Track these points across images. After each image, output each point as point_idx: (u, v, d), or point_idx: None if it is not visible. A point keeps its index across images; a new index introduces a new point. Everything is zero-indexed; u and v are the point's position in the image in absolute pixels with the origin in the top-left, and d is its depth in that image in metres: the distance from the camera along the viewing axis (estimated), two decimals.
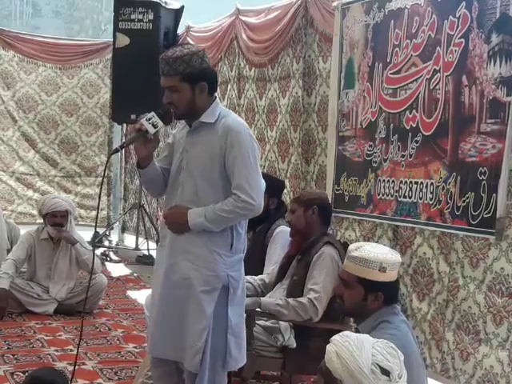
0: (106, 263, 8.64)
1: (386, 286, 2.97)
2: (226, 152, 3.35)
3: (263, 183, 3.43)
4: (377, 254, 2.96)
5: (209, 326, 3.36)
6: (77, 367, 4.77)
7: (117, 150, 3.63)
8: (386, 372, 2.28)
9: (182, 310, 3.42)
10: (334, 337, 2.38)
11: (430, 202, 4.62)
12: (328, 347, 2.35)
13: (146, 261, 8.74)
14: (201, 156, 3.41)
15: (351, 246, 3.08)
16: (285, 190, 6.13)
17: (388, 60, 5.07)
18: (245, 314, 3.85)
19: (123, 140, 10.27)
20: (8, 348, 5.20)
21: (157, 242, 8.84)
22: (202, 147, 3.41)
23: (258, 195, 3.35)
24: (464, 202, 4.32)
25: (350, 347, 2.30)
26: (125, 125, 9.85)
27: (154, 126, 3.36)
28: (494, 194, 4.08)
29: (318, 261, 4.15)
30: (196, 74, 3.36)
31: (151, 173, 3.52)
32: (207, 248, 3.39)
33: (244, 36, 7.14)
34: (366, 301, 2.99)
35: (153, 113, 3.38)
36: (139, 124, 3.37)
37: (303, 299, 4.07)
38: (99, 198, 3.72)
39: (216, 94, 3.54)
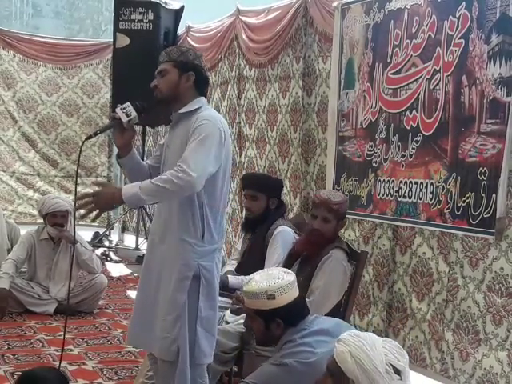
0: (106, 263, 8.65)
1: (281, 311, 2.97)
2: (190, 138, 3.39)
3: (208, 165, 3.34)
4: (262, 284, 2.97)
5: (181, 315, 3.40)
6: (77, 367, 4.83)
7: (90, 137, 3.70)
8: (397, 371, 2.30)
9: (155, 300, 3.48)
10: (342, 336, 2.40)
11: (430, 202, 4.62)
12: (339, 347, 2.35)
13: None
14: (176, 149, 3.48)
15: (244, 282, 3.10)
16: (285, 190, 6.15)
17: (388, 60, 5.07)
18: (243, 315, 3.87)
19: None
20: (8, 348, 5.21)
21: None
22: (177, 141, 3.50)
23: (200, 171, 3.27)
24: (464, 202, 4.33)
25: (364, 347, 2.30)
26: None
27: (127, 115, 3.49)
28: (494, 194, 4.09)
29: (324, 263, 4.15)
30: (187, 64, 3.52)
31: (131, 163, 3.62)
32: (178, 238, 3.43)
33: (244, 36, 7.14)
34: (269, 329, 3.02)
35: (128, 103, 3.51)
36: (113, 113, 3.52)
37: None
38: (75, 187, 3.76)
39: (204, 95, 3.62)
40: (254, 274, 3.11)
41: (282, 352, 2.95)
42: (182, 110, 3.52)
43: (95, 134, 3.66)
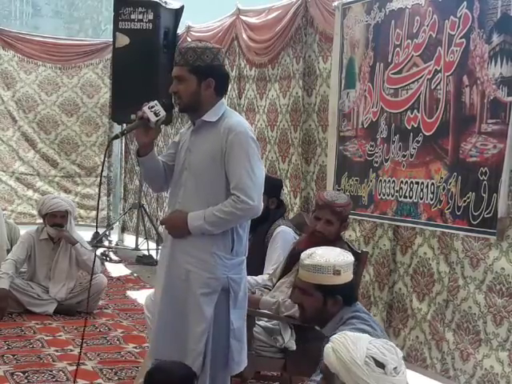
0: (106, 263, 8.64)
1: (343, 288, 2.98)
2: (225, 152, 3.35)
3: (262, 185, 3.41)
4: (329, 259, 2.97)
5: (208, 328, 3.36)
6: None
7: (117, 136, 3.63)
8: (380, 365, 2.29)
9: (183, 312, 3.42)
10: (333, 335, 2.41)
11: (431, 202, 4.62)
12: (326, 345, 2.37)
13: (145, 261, 8.74)
14: (203, 156, 3.41)
15: (303, 255, 3.06)
16: (285, 190, 6.14)
17: (389, 60, 5.06)
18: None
19: (124, 140, 10.27)
20: (8, 348, 5.20)
21: (157, 242, 8.85)
22: (204, 147, 3.41)
23: (257, 196, 3.34)
24: (465, 202, 4.32)
25: (346, 342, 2.33)
26: (124, 125, 9.84)
27: (156, 115, 3.37)
28: (495, 194, 4.08)
29: None
30: (204, 69, 3.37)
31: (150, 163, 3.52)
32: (207, 250, 3.38)
33: (244, 36, 7.14)
34: (326, 306, 3.01)
35: (156, 101, 3.39)
36: (141, 112, 3.38)
37: None
38: (99, 194, 3.71)
39: (225, 93, 3.57)
40: (313, 249, 3.07)
41: (350, 326, 2.89)
42: (205, 118, 3.43)
43: (122, 133, 3.58)
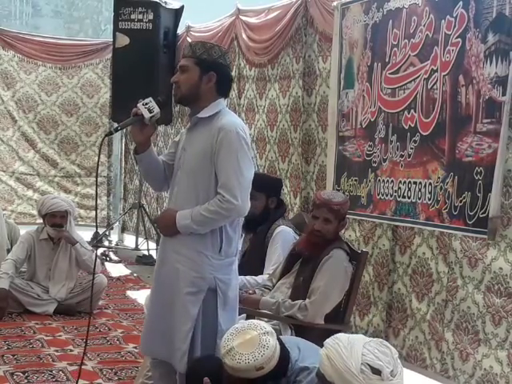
0: (106, 263, 8.65)
1: (271, 374, 2.79)
2: (215, 151, 3.36)
3: (249, 185, 3.41)
4: (248, 359, 2.77)
5: (193, 327, 3.36)
6: (76, 367, 4.81)
7: (111, 133, 3.65)
8: (376, 371, 2.27)
9: (170, 310, 3.44)
10: (326, 340, 2.38)
11: (429, 202, 4.62)
12: (321, 351, 2.35)
13: (145, 261, 8.76)
14: (195, 154, 3.43)
15: (222, 349, 2.87)
16: (285, 190, 6.14)
17: (386, 60, 5.06)
18: (244, 315, 3.88)
19: (123, 140, 10.29)
20: (8, 348, 5.21)
21: (157, 242, 8.86)
22: (197, 145, 3.44)
23: (241, 195, 3.33)
24: (461, 201, 4.31)
25: (339, 349, 2.29)
26: None
27: (150, 111, 3.40)
28: (490, 194, 4.07)
29: (325, 263, 4.15)
30: (209, 63, 3.41)
31: (148, 160, 3.55)
32: (195, 249, 3.39)
33: (244, 36, 7.14)
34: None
35: (150, 98, 3.43)
36: (136, 108, 3.42)
37: (297, 302, 4.10)
38: (96, 189, 3.73)
39: (226, 95, 3.61)
40: (230, 336, 2.89)
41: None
42: (200, 115, 3.45)
43: (116, 129, 3.61)
